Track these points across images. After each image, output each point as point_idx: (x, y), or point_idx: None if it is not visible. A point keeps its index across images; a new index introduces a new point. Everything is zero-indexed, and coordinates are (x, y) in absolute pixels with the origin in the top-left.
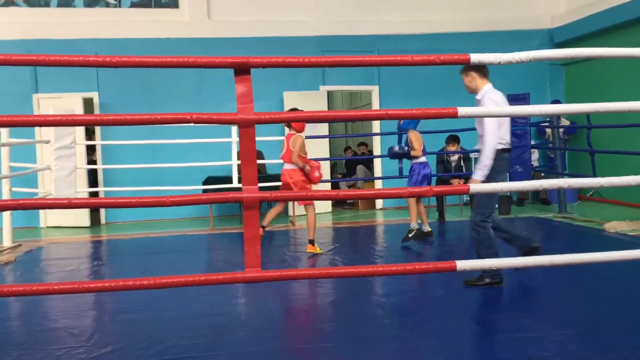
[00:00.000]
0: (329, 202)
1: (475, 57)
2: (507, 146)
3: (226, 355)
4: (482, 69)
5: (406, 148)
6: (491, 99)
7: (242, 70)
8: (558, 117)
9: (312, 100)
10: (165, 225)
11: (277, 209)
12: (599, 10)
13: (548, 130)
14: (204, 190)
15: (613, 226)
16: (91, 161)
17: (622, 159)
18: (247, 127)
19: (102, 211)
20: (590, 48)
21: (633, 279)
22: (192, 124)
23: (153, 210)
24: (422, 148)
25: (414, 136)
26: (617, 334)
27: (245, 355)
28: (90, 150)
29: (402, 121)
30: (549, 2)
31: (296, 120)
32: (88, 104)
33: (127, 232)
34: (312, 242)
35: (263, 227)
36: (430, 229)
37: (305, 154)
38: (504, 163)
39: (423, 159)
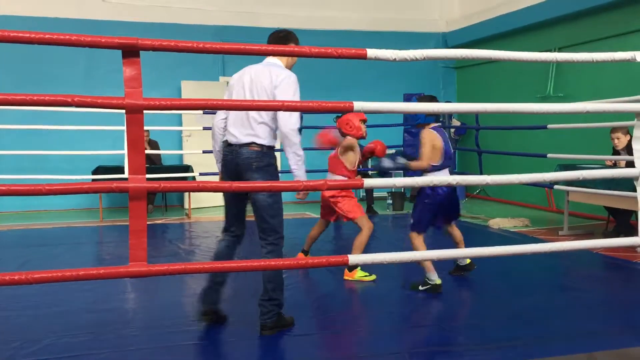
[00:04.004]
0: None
1: (372, 52)
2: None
3: (109, 353)
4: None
5: (401, 160)
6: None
7: (130, 52)
8: (450, 117)
9: (211, 91)
10: (51, 216)
11: (317, 229)
12: (489, 17)
13: None
14: (93, 180)
15: (496, 222)
16: None
17: (506, 159)
18: (134, 113)
19: None
20: (477, 49)
21: (513, 272)
22: (76, 109)
23: (37, 200)
24: (440, 156)
25: (427, 137)
26: (499, 326)
27: (130, 353)
28: None
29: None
30: (444, 7)
31: (190, 109)
32: None
33: (6, 223)
34: (352, 266)
35: (305, 251)
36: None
37: (353, 164)
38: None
39: (442, 174)
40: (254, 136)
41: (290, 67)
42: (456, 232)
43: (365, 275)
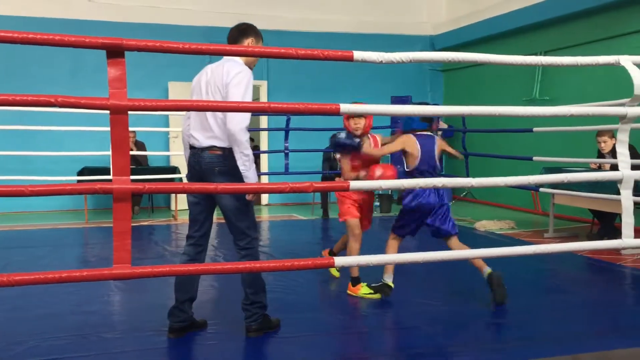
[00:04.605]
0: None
1: (358, 55)
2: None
3: (93, 356)
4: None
5: (356, 139)
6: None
7: (115, 52)
8: (437, 120)
9: None
10: (35, 217)
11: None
12: (476, 20)
13: None
14: (79, 182)
15: (483, 225)
16: None
17: (492, 162)
18: (119, 114)
19: None
20: (464, 53)
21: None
22: (61, 109)
23: (21, 201)
24: (415, 163)
25: (402, 139)
26: (486, 328)
27: (114, 356)
28: None
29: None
30: (431, 11)
31: (175, 110)
32: None
33: None
34: (356, 280)
35: (332, 252)
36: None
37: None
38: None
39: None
40: (214, 138)
41: (251, 64)
42: (454, 247)
43: (370, 293)
